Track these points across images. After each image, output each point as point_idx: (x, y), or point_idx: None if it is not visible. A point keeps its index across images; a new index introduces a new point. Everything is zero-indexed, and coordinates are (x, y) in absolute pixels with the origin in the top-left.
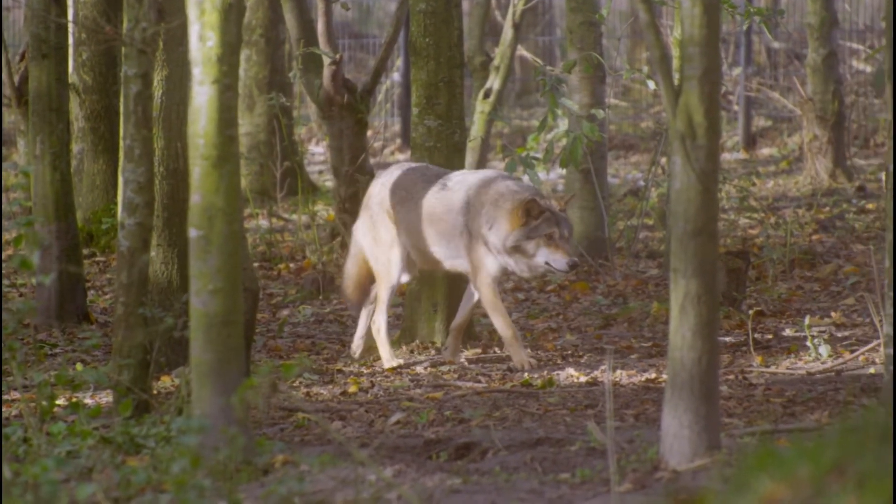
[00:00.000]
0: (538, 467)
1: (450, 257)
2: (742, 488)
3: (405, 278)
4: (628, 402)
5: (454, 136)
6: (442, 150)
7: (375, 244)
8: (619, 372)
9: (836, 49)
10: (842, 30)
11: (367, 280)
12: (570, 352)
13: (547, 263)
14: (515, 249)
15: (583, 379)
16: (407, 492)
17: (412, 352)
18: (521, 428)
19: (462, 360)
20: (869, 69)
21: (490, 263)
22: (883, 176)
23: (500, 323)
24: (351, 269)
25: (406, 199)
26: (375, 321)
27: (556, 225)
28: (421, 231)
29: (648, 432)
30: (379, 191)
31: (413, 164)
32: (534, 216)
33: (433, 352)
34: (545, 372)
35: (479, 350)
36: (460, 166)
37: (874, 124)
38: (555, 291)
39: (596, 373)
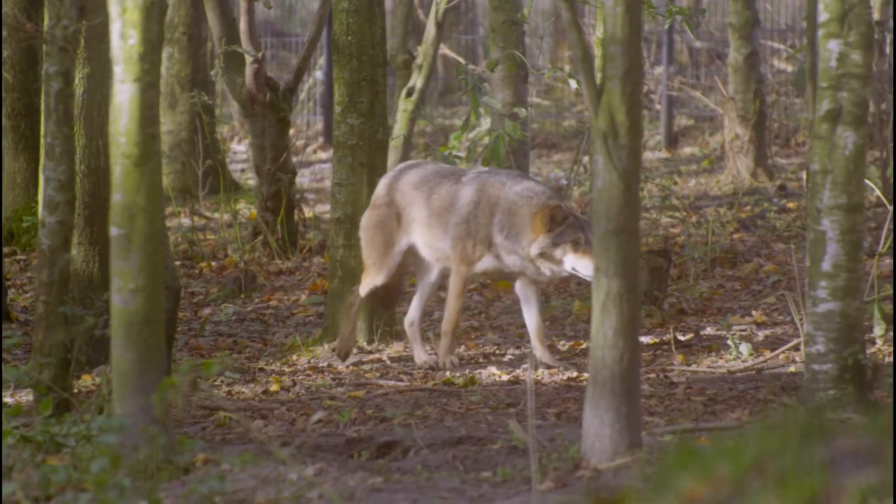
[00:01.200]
0: (460, 466)
1: (447, 248)
2: (663, 487)
3: (415, 315)
4: (550, 401)
5: (377, 135)
6: (364, 148)
7: (373, 242)
8: (540, 370)
9: (758, 48)
10: (763, 29)
11: (391, 279)
12: (492, 350)
13: (574, 269)
14: (541, 256)
15: (505, 377)
16: (328, 490)
17: (334, 350)
18: (443, 426)
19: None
20: (790, 68)
21: (482, 263)
22: (804, 175)
23: (452, 315)
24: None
25: (415, 195)
26: (353, 304)
27: (581, 230)
28: (429, 224)
29: (570, 431)
30: (387, 190)
31: (418, 161)
32: (558, 222)
33: (355, 350)
34: (467, 370)
35: (400, 349)
36: (383, 164)
37: (795, 123)
38: (477, 290)
39: (518, 371)
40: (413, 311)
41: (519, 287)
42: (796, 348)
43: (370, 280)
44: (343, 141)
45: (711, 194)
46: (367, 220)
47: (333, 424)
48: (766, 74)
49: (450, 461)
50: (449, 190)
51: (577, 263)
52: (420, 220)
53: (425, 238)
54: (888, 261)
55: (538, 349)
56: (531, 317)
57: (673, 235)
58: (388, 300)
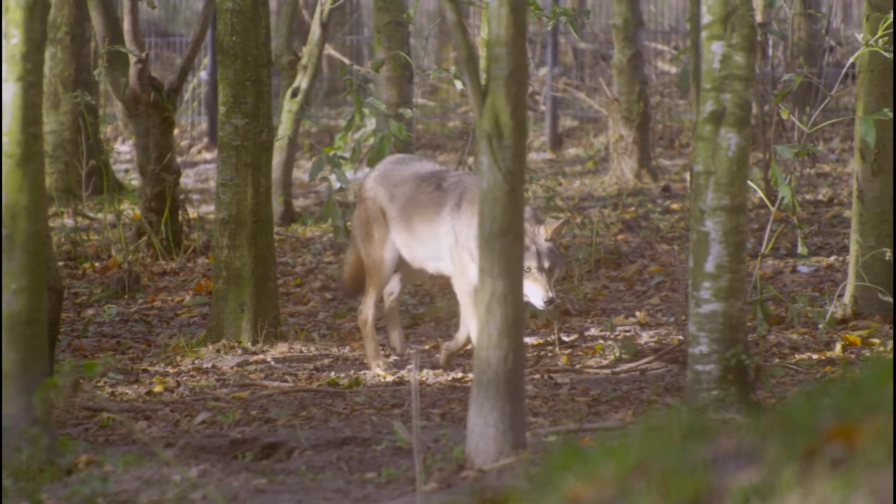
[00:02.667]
0: (344, 467)
1: (433, 258)
2: (547, 487)
3: (395, 286)
4: (435, 402)
5: (261, 135)
6: (249, 148)
7: (368, 240)
8: (425, 371)
9: (642, 50)
10: (647, 31)
11: (363, 271)
12: None
13: (526, 295)
14: None
15: (390, 378)
16: (212, 491)
17: (219, 351)
18: (328, 427)
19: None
20: (674, 70)
21: (473, 272)
22: (687, 176)
23: (474, 332)
24: (349, 258)
25: (398, 199)
26: (361, 312)
27: (535, 257)
28: (414, 231)
29: (455, 431)
30: (372, 185)
31: (405, 156)
32: None
33: (240, 351)
34: (352, 371)
35: (285, 349)
36: (267, 165)
37: (679, 125)
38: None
39: (403, 372)
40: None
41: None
42: (680, 349)
43: (374, 282)
44: (228, 141)
45: (596, 195)
46: (356, 217)
47: (218, 425)
48: (650, 76)
49: (334, 462)
50: (430, 196)
51: (528, 289)
52: (399, 220)
53: (403, 239)
54: (770, 261)
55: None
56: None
57: None
58: (354, 289)
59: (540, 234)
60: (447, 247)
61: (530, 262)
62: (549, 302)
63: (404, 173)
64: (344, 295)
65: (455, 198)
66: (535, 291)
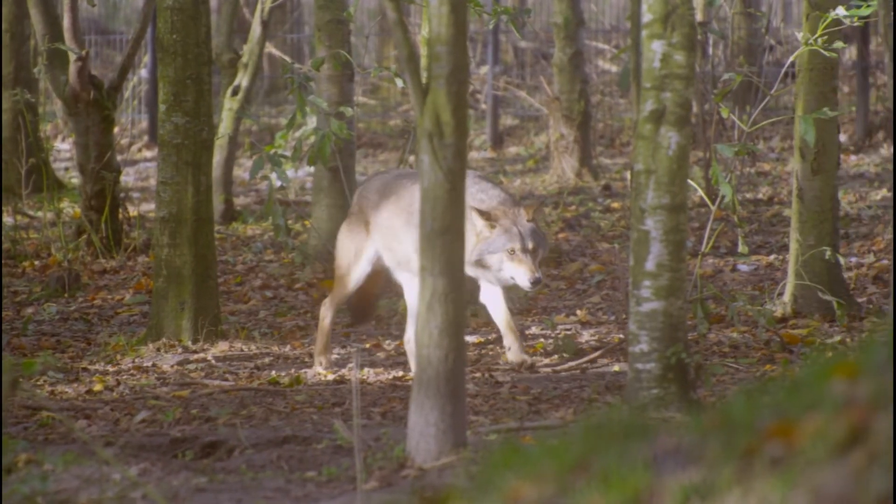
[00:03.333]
0: (285, 466)
1: (413, 258)
2: (487, 486)
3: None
4: (376, 400)
5: (202, 133)
6: (190, 147)
7: (343, 250)
8: (366, 370)
9: (583, 49)
10: (588, 30)
11: (369, 291)
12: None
13: (512, 278)
14: (479, 264)
15: (331, 377)
16: (152, 490)
17: (159, 350)
18: (268, 426)
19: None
20: (615, 69)
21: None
22: (628, 175)
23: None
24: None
25: (381, 202)
26: (322, 309)
27: (518, 239)
28: (394, 229)
29: (395, 430)
30: (358, 199)
31: (397, 170)
32: (490, 229)
33: (180, 350)
34: (293, 370)
35: (225, 348)
36: (208, 163)
37: (619, 124)
38: (303, 289)
39: (343, 371)
40: (409, 328)
41: (483, 294)
42: (620, 347)
43: (339, 290)
44: (168, 140)
45: (537, 194)
46: (341, 230)
47: (158, 424)
48: (590, 75)
49: (275, 461)
50: (408, 190)
51: (514, 272)
52: (381, 224)
53: (385, 241)
54: (711, 260)
55: (514, 351)
56: (500, 321)
57: None
58: (361, 314)
59: (521, 216)
60: (416, 239)
61: (514, 244)
62: (536, 282)
63: (389, 181)
64: (355, 321)
65: None
66: (521, 273)
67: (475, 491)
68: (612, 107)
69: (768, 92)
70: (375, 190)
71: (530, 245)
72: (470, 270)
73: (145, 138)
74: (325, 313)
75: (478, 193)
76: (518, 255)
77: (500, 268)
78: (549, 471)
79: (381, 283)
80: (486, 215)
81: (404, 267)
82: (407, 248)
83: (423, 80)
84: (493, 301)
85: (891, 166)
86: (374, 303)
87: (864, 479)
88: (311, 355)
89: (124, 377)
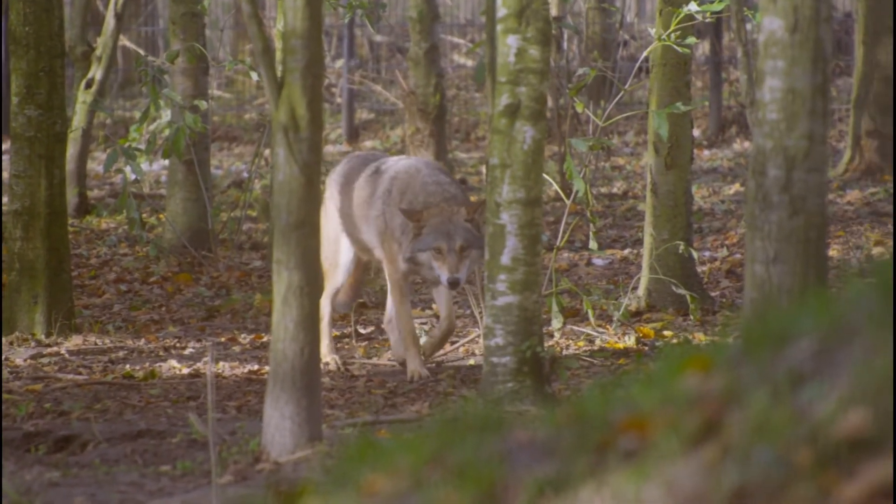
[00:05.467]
0: (139, 460)
1: (373, 245)
2: (342, 479)
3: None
4: (231, 394)
5: (55, 126)
6: (43, 139)
7: (324, 239)
8: (221, 364)
9: (438, 43)
10: (443, 24)
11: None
12: (172, 344)
13: (438, 276)
14: (412, 261)
15: (185, 371)
16: (4, 485)
17: (12, 344)
18: (123, 420)
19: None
20: (470, 63)
21: (401, 261)
22: (483, 169)
23: (403, 323)
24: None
25: (345, 187)
26: (322, 317)
27: (446, 238)
28: (353, 216)
29: (251, 424)
30: (328, 184)
31: (360, 153)
32: (420, 226)
33: (33, 344)
34: (147, 364)
35: (79, 342)
36: (61, 156)
37: (475, 118)
38: (158, 283)
39: (199, 364)
40: (388, 309)
41: (434, 292)
42: (475, 341)
43: (330, 280)
44: (21, 132)
45: None
46: (320, 218)
47: (10, 418)
48: (446, 69)
49: (129, 455)
50: (368, 179)
51: (439, 271)
52: (345, 209)
53: (348, 227)
54: (566, 254)
55: (426, 349)
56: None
57: None
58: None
59: (459, 214)
60: (377, 231)
61: (441, 243)
62: (454, 283)
63: (355, 165)
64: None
65: (387, 182)
66: (443, 272)
67: (330, 485)
68: (468, 101)
69: (622, 87)
70: (342, 174)
71: (457, 244)
72: (407, 268)
73: None
74: (323, 310)
75: (430, 185)
76: (444, 254)
77: (431, 266)
78: (404, 464)
79: (362, 266)
80: (415, 215)
81: (367, 255)
82: (370, 237)
83: (279, 74)
84: (437, 299)
85: (744, 161)
86: (359, 288)
87: (717, 473)
88: (165, 348)
89: None
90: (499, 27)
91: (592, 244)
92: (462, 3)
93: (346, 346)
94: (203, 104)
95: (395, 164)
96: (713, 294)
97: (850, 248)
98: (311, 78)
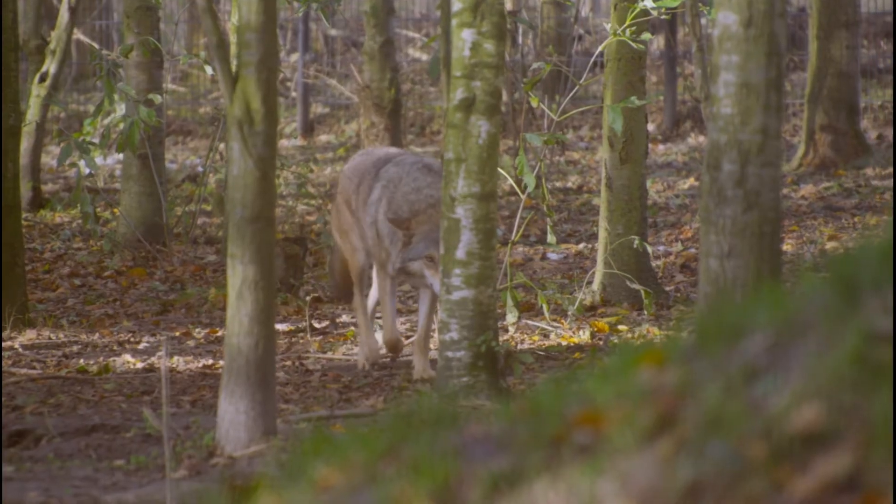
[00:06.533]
0: (93, 454)
1: (371, 247)
2: (297, 474)
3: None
4: (185, 389)
5: (9, 120)
6: None
7: (340, 233)
8: (176, 358)
9: (393, 37)
10: (398, 18)
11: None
12: (127, 338)
13: (431, 285)
14: (403, 271)
15: (140, 365)
16: None
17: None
18: (77, 415)
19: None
20: (425, 57)
21: (391, 269)
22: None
23: (385, 314)
24: (332, 259)
25: (357, 186)
26: (357, 307)
27: (436, 245)
28: (357, 216)
29: (205, 419)
30: (340, 179)
31: (371, 149)
32: (410, 235)
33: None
34: (101, 358)
35: (33, 336)
36: (15, 150)
37: (430, 112)
38: (112, 277)
39: (153, 359)
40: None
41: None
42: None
43: (354, 272)
44: None
45: None
46: (332, 217)
47: None
48: (401, 63)
49: (83, 449)
50: (369, 183)
51: (431, 280)
52: (351, 208)
53: (355, 222)
54: (521, 249)
55: (415, 359)
56: (420, 324)
57: (309, 223)
58: (346, 289)
59: None
60: (371, 236)
61: (432, 251)
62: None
63: (366, 162)
64: (338, 296)
65: (380, 189)
66: (435, 279)
67: (285, 479)
68: (423, 95)
69: (577, 81)
70: (349, 171)
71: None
72: (400, 277)
73: None
74: (357, 304)
75: (411, 193)
76: (436, 261)
77: (423, 274)
78: (358, 459)
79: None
80: (403, 223)
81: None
82: (366, 242)
83: (233, 68)
84: (420, 303)
85: (698, 155)
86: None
87: (671, 467)
88: (120, 343)
89: None
90: (454, 21)
91: (550, 238)
92: None
93: (301, 341)
94: (157, 98)
95: (389, 169)
96: (668, 288)
97: (804, 243)
98: (265, 72)
